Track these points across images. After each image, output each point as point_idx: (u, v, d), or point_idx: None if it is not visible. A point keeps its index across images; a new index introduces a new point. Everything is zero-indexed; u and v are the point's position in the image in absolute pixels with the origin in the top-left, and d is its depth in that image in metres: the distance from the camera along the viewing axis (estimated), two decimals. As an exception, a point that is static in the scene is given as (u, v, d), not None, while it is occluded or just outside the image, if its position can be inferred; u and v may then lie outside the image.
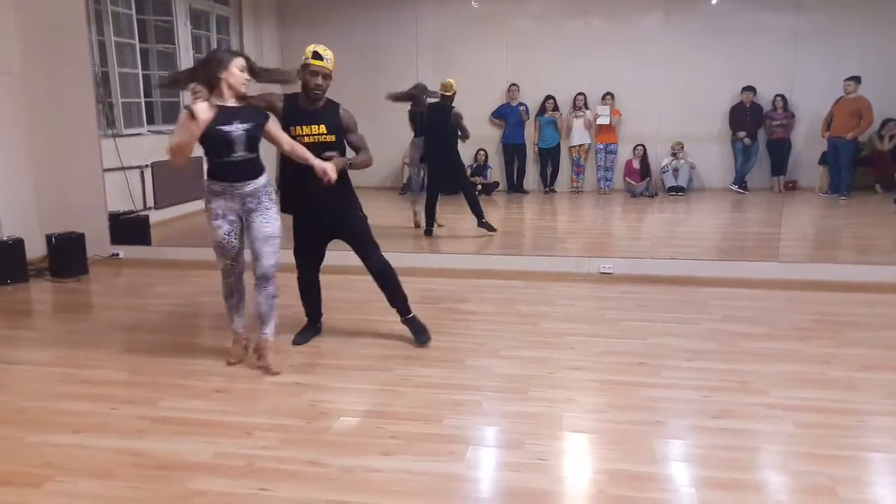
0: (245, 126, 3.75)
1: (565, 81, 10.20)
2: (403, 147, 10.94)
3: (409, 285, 5.68)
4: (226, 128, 3.70)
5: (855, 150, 9.73)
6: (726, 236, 8.04)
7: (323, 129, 4.06)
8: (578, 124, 10.25)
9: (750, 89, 10.26)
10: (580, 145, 10.34)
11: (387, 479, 2.86)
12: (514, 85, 10.09)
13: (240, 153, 3.78)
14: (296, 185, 4.17)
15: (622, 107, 10.29)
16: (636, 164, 10.16)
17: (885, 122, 9.88)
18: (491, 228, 7.48)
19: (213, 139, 3.71)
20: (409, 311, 4.42)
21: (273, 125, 3.95)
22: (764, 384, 3.75)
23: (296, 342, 4.42)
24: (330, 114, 4.11)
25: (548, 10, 10.18)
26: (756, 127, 10.33)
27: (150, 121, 8.60)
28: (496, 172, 10.41)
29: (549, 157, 10.38)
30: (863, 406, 3.49)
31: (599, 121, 10.18)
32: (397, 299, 4.40)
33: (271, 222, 3.91)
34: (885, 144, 9.98)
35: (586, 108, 10.19)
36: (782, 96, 10.20)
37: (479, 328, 4.70)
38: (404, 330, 4.52)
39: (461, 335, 4.54)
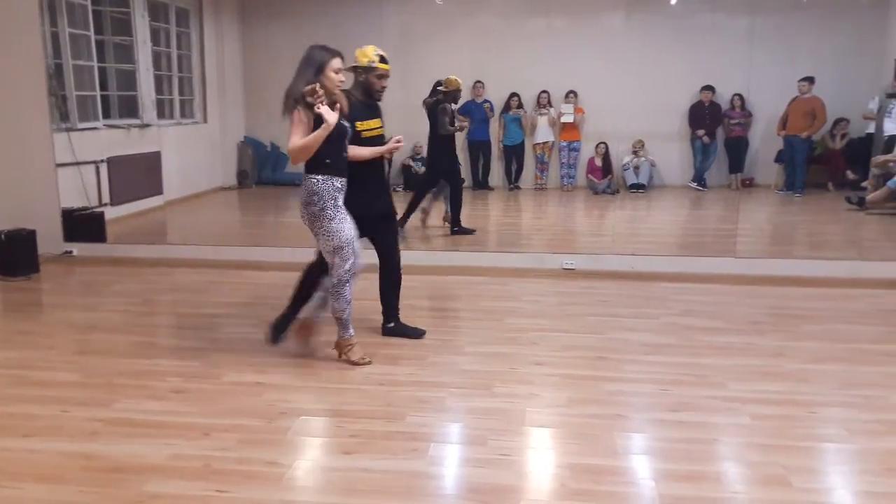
0: (347, 124, 3.81)
1: (530, 79, 10.24)
2: (366, 145, 10.90)
3: (373, 282, 5.69)
4: (346, 123, 3.77)
5: (809, 148, 9.95)
6: (685, 232, 8.17)
7: (379, 122, 4.23)
8: (543, 122, 10.31)
9: (709, 88, 10.43)
10: (544, 143, 10.41)
11: (347, 479, 2.84)
12: (479, 82, 10.10)
13: (345, 149, 3.83)
14: (353, 182, 4.03)
15: (585, 105, 10.37)
16: (598, 162, 10.25)
17: (837, 122, 10.12)
18: (468, 232, 7.48)
19: (337, 134, 3.72)
20: (398, 317, 4.46)
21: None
22: (721, 377, 3.81)
23: (276, 340, 4.29)
24: (379, 109, 4.27)
25: (512, 9, 10.21)
26: (715, 125, 10.50)
27: (107, 114, 8.41)
28: (461, 169, 10.40)
29: (513, 155, 10.42)
30: (815, 397, 3.57)
31: (563, 119, 10.25)
32: (397, 303, 4.43)
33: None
34: (837, 143, 10.22)
35: (550, 105, 10.25)
36: (740, 95, 10.39)
37: (444, 324, 4.71)
38: (368, 326, 4.49)
39: (425, 332, 4.53)
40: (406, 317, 4.53)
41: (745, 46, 10.31)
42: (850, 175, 9.90)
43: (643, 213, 9.33)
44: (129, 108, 8.62)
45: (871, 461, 2.96)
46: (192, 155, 9.83)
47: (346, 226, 3.79)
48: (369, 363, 3.96)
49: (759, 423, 3.29)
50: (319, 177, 3.76)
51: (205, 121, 10.29)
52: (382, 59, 4.13)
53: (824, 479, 2.89)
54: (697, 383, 3.75)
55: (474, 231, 7.48)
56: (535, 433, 3.23)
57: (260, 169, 11.05)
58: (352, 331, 4.00)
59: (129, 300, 5.35)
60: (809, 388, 3.68)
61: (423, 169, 10.53)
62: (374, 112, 4.22)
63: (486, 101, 10.18)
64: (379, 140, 4.20)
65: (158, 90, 9.21)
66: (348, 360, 3.97)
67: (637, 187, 10.29)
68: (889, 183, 8.21)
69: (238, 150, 10.95)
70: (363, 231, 4.12)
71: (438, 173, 7.37)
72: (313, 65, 3.74)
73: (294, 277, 5.86)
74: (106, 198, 7.66)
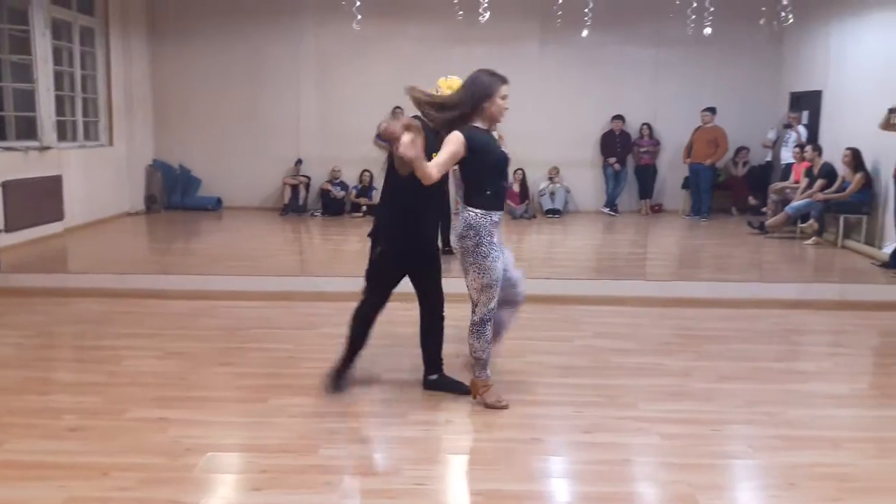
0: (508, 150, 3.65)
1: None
2: (284, 166, 10.75)
3: (290, 310, 5.57)
4: (505, 152, 3.59)
5: (713, 175, 10.42)
6: (598, 256, 8.36)
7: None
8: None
9: (619, 118, 10.80)
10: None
11: (256, 514, 2.74)
12: (398, 108, 10.10)
13: (507, 180, 3.66)
14: (409, 213, 3.75)
15: (502, 132, 10.52)
16: (516, 188, 10.42)
17: (738, 150, 10.65)
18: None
19: (502, 162, 3.55)
20: (442, 369, 4.02)
21: None
22: (632, 398, 3.89)
23: (339, 390, 3.87)
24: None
25: (431, 35, 10.33)
26: (625, 153, 10.87)
27: (2, 136, 7.99)
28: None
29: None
30: (721, 415, 3.68)
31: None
32: (440, 353, 3.99)
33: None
34: (739, 170, 10.74)
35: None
36: (648, 125, 10.80)
37: (363, 354, 4.61)
38: (280, 357, 4.38)
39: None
40: (319, 345, 4.43)
41: (652, 78, 10.77)
42: (751, 201, 10.42)
43: (559, 237, 9.52)
44: (28, 129, 8.20)
45: (773, 476, 3.07)
46: (97, 179, 9.43)
47: (498, 264, 3.56)
48: (506, 407, 3.69)
49: (667, 443, 3.36)
50: (479, 211, 3.51)
51: (111, 143, 9.91)
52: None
53: (730, 496, 2.98)
54: (609, 404, 3.81)
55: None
56: (450, 461, 3.21)
57: (169, 193, 10.73)
58: (489, 372, 3.73)
59: (22, 333, 5.03)
60: (715, 407, 3.79)
61: (341, 193, 10.47)
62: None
63: (404, 126, 10.19)
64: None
65: (60, 111, 8.82)
66: (484, 403, 3.71)
67: (553, 212, 10.50)
68: (787, 208, 8.66)
69: (146, 173, 10.60)
70: (406, 267, 3.84)
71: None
72: (481, 89, 3.51)
73: (202, 306, 5.72)
74: (0, 224, 7.25)
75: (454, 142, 3.43)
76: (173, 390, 3.95)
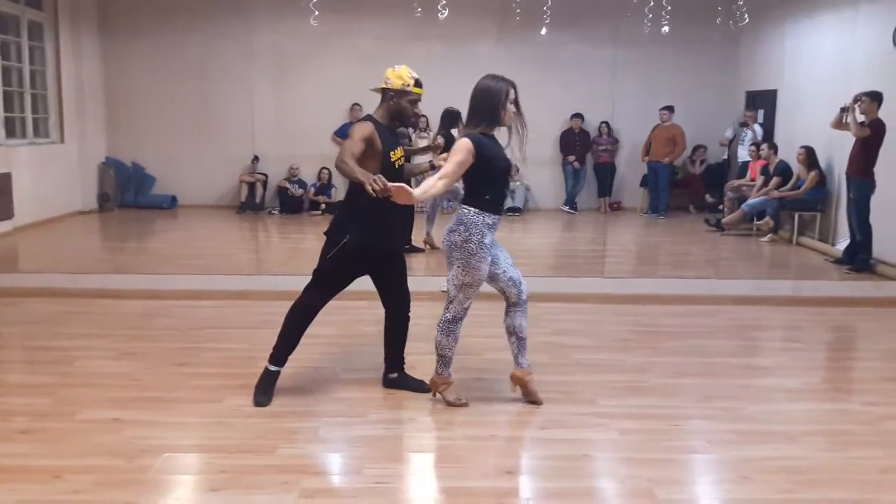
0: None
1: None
2: (240, 163, 10.60)
3: (246, 309, 5.50)
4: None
5: (671, 173, 10.58)
6: (558, 254, 8.43)
7: (402, 150, 3.83)
8: (423, 145, 10.36)
9: (578, 116, 10.89)
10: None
11: (213, 517, 2.69)
12: (356, 104, 10.06)
13: (507, 186, 3.59)
14: (375, 212, 3.63)
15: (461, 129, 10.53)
16: (475, 186, 10.41)
17: (696, 148, 10.83)
18: (418, 250, 7.43)
19: (506, 169, 3.52)
20: (403, 368, 4.01)
21: None
22: (591, 394, 3.92)
23: (263, 403, 3.68)
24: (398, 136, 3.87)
25: (389, 32, 10.28)
26: (584, 151, 10.97)
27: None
28: (341, 192, 10.31)
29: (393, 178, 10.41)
30: (678, 411, 3.73)
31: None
32: (402, 350, 3.98)
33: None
34: (696, 168, 10.93)
35: (429, 129, 10.34)
36: (607, 123, 10.91)
37: (319, 351, 4.57)
38: (237, 357, 4.31)
39: (296, 360, 4.37)
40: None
41: (610, 76, 10.88)
42: (708, 198, 10.60)
43: (519, 235, 9.57)
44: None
45: (729, 470, 3.13)
46: (48, 177, 9.19)
47: (484, 266, 3.51)
48: (465, 405, 3.68)
49: (626, 438, 3.40)
50: (473, 209, 3.48)
51: (62, 140, 9.66)
52: (417, 83, 3.73)
53: (687, 490, 3.02)
54: (568, 400, 3.84)
55: (423, 249, 7.51)
56: (411, 459, 3.21)
57: (123, 192, 10.51)
58: (451, 370, 3.72)
59: (-30, 334, 4.89)
60: (673, 402, 3.85)
61: (299, 191, 10.37)
62: (400, 141, 3.90)
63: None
64: (401, 170, 3.79)
65: (8, 107, 8.57)
66: (444, 400, 3.70)
67: (513, 210, 10.55)
68: (743, 206, 8.83)
69: (99, 171, 10.36)
70: (370, 267, 3.76)
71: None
72: (495, 96, 3.48)
73: (157, 305, 5.61)
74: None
75: (462, 150, 3.41)
76: (127, 391, 3.86)
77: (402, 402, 3.79)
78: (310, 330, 4.04)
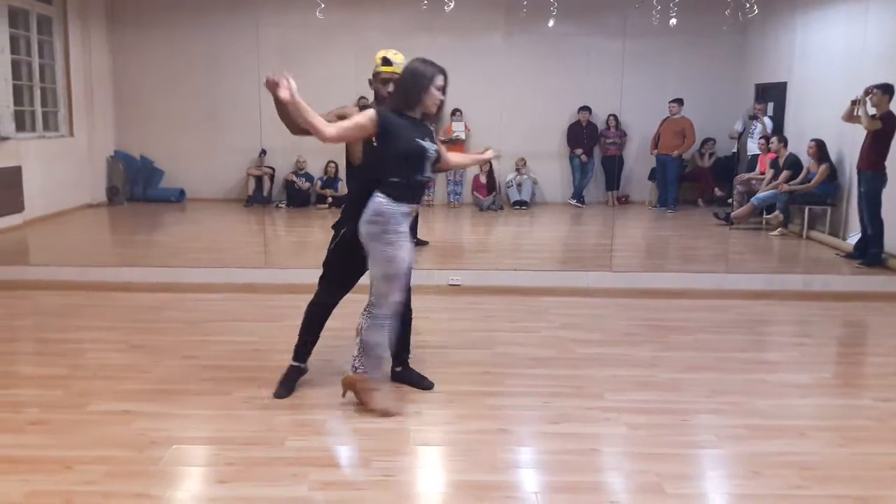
0: (435, 146, 3.43)
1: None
2: (248, 157, 10.61)
3: (254, 302, 5.52)
4: (424, 143, 3.36)
5: (680, 166, 10.53)
6: (565, 248, 8.41)
7: None
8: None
9: (585, 109, 10.84)
10: (429, 159, 10.45)
11: (223, 509, 2.70)
12: (363, 98, 10.01)
13: (427, 174, 3.42)
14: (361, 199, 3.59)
15: (468, 123, 10.53)
16: (483, 179, 10.42)
17: (705, 141, 10.77)
18: (422, 243, 7.37)
19: (412, 153, 3.33)
20: (408, 362, 3.98)
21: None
22: (599, 388, 3.92)
23: (281, 395, 3.72)
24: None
25: (395, 24, 10.25)
26: (592, 144, 10.93)
27: (-42, 126, 7.78)
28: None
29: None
30: (687, 405, 3.72)
31: (455, 135, 10.33)
32: (406, 346, 3.94)
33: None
34: (705, 162, 10.87)
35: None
36: (615, 116, 10.86)
37: (326, 344, 4.56)
38: (245, 350, 4.33)
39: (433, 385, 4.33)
40: (287, 338, 4.37)
41: (618, 69, 10.81)
42: (717, 192, 10.55)
43: (526, 229, 9.55)
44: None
45: (738, 465, 3.11)
46: (57, 170, 9.22)
47: (402, 254, 3.40)
48: (396, 415, 3.52)
49: (634, 433, 3.39)
50: (385, 199, 3.33)
51: (71, 134, 9.69)
52: (385, 62, 3.64)
53: (696, 485, 3.01)
54: (576, 394, 3.83)
55: (428, 242, 7.49)
56: (419, 452, 3.20)
57: (131, 185, 10.54)
58: (380, 374, 3.65)
59: (-20, 326, 4.92)
60: (681, 397, 3.84)
61: (306, 184, 10.38)
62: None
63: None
64: None
65: (18, 101, 8.59)
66: (363, 402, 3.54)
67: (520, 204, 10.53)
68: (753, 199, 8.78)
69: (108, 164, 10.39)
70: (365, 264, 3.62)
71: None
72: (416, 80, 3.35)
73: (166, 298, 5.62)
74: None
75: (365, 114, 3.35)
76: (137, 383, 3.88)
77: (409, 395, 3.80)
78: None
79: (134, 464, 3.01)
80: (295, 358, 3.83)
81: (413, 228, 7.63)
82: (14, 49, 8.48)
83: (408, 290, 3.84)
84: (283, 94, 3.12)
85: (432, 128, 3.54)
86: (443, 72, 3.40)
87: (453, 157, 3.88)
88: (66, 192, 9.45)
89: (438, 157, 3.53)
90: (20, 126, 8.62)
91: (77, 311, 5.29)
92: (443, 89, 3.40)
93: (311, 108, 3.22)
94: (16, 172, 8.11)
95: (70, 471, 2.94)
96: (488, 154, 3.98)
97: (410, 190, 3.40)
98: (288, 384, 3.78)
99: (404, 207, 3.38)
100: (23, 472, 2.93)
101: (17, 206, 8.11)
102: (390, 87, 3.58)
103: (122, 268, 6.24)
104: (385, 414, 3.50)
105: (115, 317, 5.13)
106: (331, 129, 3.28)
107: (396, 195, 3.35)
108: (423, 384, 3.88)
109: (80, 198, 9.80)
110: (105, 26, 10.26)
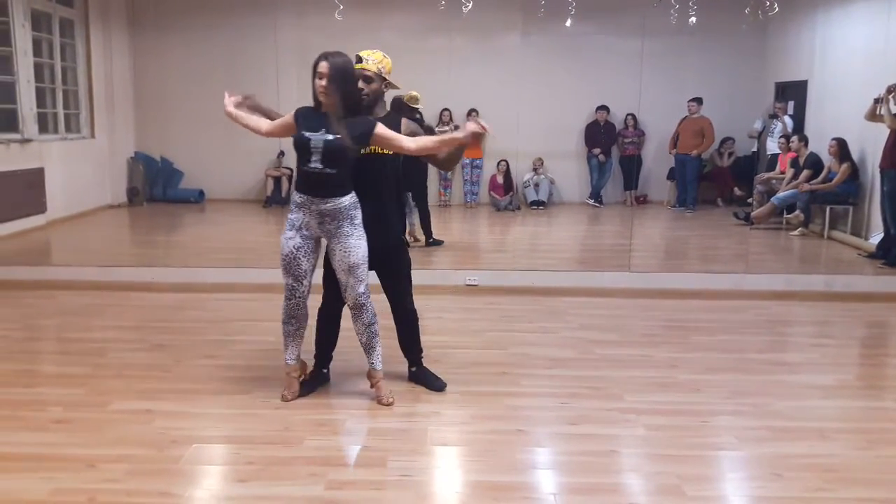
0: (328, 137, 3.41)
1: (431, 96, 10.28)
2: (266, 158, 10.67)
3: (274, 303, 5.50)
4: (308, 133, 3.43)
5: (699, 166, 10.45)
6: (583, 248, 8.38)
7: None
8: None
9: (603, 108, 10.80)
10: (447, 160, 10.45)
11: (242, 507, 2.72)
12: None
13: (315, 164, 3.43)
14: (377, 207, 3.67)
15: (485, 123, 10.49)
16: (500, 179, 10.41)
17: (724, 140, 10.68)
18: (438, 243, 7.52)
19: (298, 144, 3.48)
20: (420, 362, 3.99)
21: (383, 132, 3.50)
22: (618, 389, 3.90)
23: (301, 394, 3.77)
24: (393, 123, 3.65)
25: (412, 25, 10.27)
26: (610, 144, 10.88)
27: (-17, 128, 7.89)
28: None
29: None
30: (707, 407, 3.70)
31: (469, 136, 10.31)
32: (414, 347, 3.97)
33: (352, 250, 3.50)
34: (724, 161, 10.78)
35: (452, 122, 10.33)
36: (633, 115, 10.80)
37: (344, 345, 4.59)
38: (265, 350, 4.36)
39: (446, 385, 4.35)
40: (306, 338, 4.38)
41: (637, 68, 10.75)
42: (737, 192, 10.46)
43: (543, 229, 9.53)
44: (9, 121, 8.09)
45: (759, 467, 3.09)
46: (79, 171, 9.32)
47: (283, 239, 3.56)
48: (287, 400, 3.65)
49: (653, 434, 3.37)
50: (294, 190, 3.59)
51: (92, 136, 9.79)
52: (357, 59, 3.66)
53: (716, 487, 2.99)
54: (595, 396, 3.82)
55: (443, 242, 7.56)
56: (436, 452, 3.20)
57: (151, 186, 10.63)
58: (288, 356, 3.71)
59: (6, 325, 4.98)
60: (701, 398, 3.81)
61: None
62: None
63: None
64: (375, 160, 3.63)
65: (41, 103, 8.70)
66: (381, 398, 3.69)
67: (537, 204, 10.50)
68: (773, 199, 8.70)
69: (128, 166, 10.49)
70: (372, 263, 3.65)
71: (412, 187, 7.29)
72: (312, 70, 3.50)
73: (186, 298, 5.68)
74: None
75: (290, 113, 3.61)
76: (158, 382, 3.92)
77: (426, 395, 3.80)
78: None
79: (155, 462, 3.05)
80: (316, 362, 3.90)
81: (427, 228, 7.70)
82: (37, 52, 8.59)
83: (400, 296, 3.88)
84: (226, 111, 3.77)
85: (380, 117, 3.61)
86: (325, 58, 3.44)
87: (427, 141, 3.61)
88: (88, 193, 9.55)
89: (349, 148, 3.45)
90: (42, 128, 8.72)
91: (99, 310, 5.35)
92: (321, 76, 3.42)
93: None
94: (38, 174, 8.22)
95: (93, 469, 2.97)
96: (472, 127, 3.66)
97: (301, 180, 3.51)
98: (308, 384, 3.82)
99: (296, 197, 3.52)
100: (47, 469, 2.97)
101: (40, 207, 8.21)
102: (362, 85, 3.62)
103: (143, 268, 6.30)
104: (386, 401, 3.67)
105: (136, 316, 5.18)
106: (264, 126, 3.73)
107: (296, 184, 3.57)
108: (434, 385, 3.88)
109: (100, 198, 9.90)
110: (126, 29, 10.37)
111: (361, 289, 3.60)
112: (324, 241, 3.62)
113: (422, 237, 7.60)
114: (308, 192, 3.49)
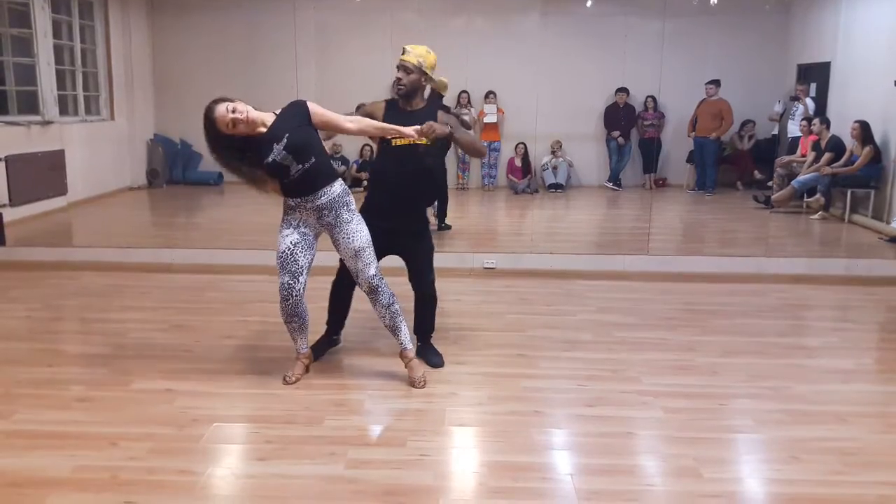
0: (282, 144, 3.45)
1: (449, 79, 10.26)
2: (284, 143, 10.68)
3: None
4: (269, 158, 3.46)
5: (718, 149, 10.34)
6: (602, 231, 8.35)
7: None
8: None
9: (623, 90, 10.70)
10: (464, 142, 10.42)
11: (262, 486, 2.76)
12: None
13: (294, 169, 3.48)
14: (377, 183, 3.86)
15: (503, 106, 10.47)
16: (518, 162, 10.37)
17: (744, 123, 10.56)
18: (447, 227, 7.55)
19: (269, 173, 3.53)
20: (428, 340, 4.07)
21: (316, 108, 3.56)
22: (636, 372, 3.90)
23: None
24: (429, 116, 3.66)
25: (430, 6, 10.20)
26: (629, 127, 10.79)
27: (4, 110, 7.96)
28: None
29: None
30: (725, 390, 3.69)
31: (486, 119, 10.29)
32: (427, 327, 4.05)
33: (354, 235, 3.57)
34: (744, 144, 10.67)
35: (470, 105, 10.29)
36: (653, 97, 10.70)
37: (360, 326, 4.63)
38: (284, 330, 4.39)
39: (343, 334, 4.45)
40: (320, 321, 4.42)
41: (657, 50, 10.64)
42: (757, 175, 10.35)
43: (561, 212, 9.49)
44: (29, 103, 8.16)
45: (776, 450, 3.08)
46: (99, 153, 9.41)
47: (285, 238, 3.64)
48: (289, 383, 3.67)
49: (671, 416, 3.37)
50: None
51: (112, 118, 9.86)
52: (403, 51, 3.83)
53: (733, 469, 2.99)
54: (613, 378, 3.82)
55: (451, 227, 7.59)
56: (454, 432, 3.22)
57: (171, 168, 10.69)
58: (300, 346, 3.78)
59: (30, 306, 5.06)
60: (719, 381, 3.80)
61: (342, 168, 10.42)
62: (410, 120, 3.66)
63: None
64: (409, 149, 3.71)
65: (61, 86, 8.77)
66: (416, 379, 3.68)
67: (555, 187, 10.46)
68: (793, 182, 8.61)
69: (148, 148, 10.55)
70: (378, 245, 3.70)
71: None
72: None
73: (206, 279, 5.73)
74: (4, 198, 7.24)
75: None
76: (179, 362, 3.97)
77: (445, 375, 3.82)
78: (357, 304, 4.12)
79: (176, 441, 3.09)
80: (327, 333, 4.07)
81: (443, 212, 7.66)
82: (56, 34, 8.64)
83: (422, 275, 3.98)
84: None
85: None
86: (219, 103, 3.66)
87: (369, 126, 3.64)
88: (108, 175, 9.64)
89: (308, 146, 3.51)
90: (63, 110, 8.80)
91: (120, 291, 5.42)
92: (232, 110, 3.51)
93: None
94: (59, 156, 8.29)
95: (115, 447, 3.02)
96: (408, 132, 3.58)
97: (290, 188, 3.58)
98: (318, 347, 4.00)
99: (289, 202, 3.63)
100: (70, 447, 3.02)
101: (61, 189, 8.29)
102: (399, 73, 3.79)
103: (163, 249, 6.36)
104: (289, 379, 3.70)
105: (157, 297, 5.24)
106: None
107: (285, 193, 3.64)
108: (432, 360, 3.96)
109: (120, 181, 9.99)
110: (144, 11, 10.40)
111: (372, 271, 3.64)
112: (321, 238, 3.72)
113: (434, 220, 7.60)
114: (300, 195, 3.55)
